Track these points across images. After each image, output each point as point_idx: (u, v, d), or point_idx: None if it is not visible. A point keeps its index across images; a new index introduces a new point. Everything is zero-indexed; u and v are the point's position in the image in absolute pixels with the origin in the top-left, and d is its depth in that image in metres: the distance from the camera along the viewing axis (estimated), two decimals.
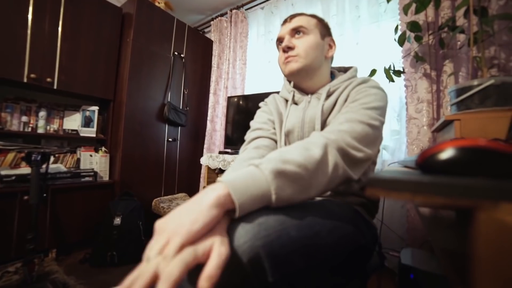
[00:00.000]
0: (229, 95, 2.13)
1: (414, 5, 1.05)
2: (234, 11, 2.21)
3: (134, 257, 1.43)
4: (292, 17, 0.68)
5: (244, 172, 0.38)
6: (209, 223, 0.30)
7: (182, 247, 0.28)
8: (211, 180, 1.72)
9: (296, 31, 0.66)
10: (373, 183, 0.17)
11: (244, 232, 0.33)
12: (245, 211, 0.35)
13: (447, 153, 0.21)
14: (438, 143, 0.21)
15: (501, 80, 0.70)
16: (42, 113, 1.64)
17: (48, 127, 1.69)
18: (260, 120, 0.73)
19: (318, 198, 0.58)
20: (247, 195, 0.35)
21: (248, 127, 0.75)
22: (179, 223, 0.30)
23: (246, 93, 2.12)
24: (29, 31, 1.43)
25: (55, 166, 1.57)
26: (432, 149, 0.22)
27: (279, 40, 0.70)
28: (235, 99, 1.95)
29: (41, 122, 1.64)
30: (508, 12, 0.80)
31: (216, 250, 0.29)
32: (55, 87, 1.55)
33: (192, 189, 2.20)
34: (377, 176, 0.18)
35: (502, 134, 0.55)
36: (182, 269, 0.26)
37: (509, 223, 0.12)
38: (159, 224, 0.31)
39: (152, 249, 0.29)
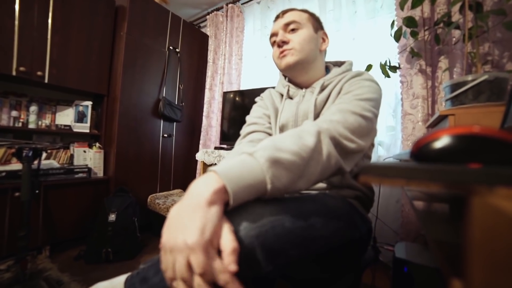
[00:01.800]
0: (225, 90, 2.12)
1: (410, 0, 1.05)
2: (230, 5, 2.18)
3: (129, 254, 1.42)
4: (284, 12, 0.68)
5: (238, 160, 0.37)
6: (216, 225, 0.31)
7: (205, 258, 0.28)
8: None
9: (289, 25, 0.66)
10: (366, 171, 0.16)
11: (239, 221, 0.33)
12: (238, 201, 0.34)
13: (441, 141, 0.20)
14: (432, 132, 0.21)
15: (494, 76, 0.70)
16: (33, 108, 1.61)
17: (39, 122, 1.65)
18: (255, 115, 0.73)
19: (314, 192, 0.58)
20: (242, 185, 0.34)
21: (244, 123, 0.75)
22: (188, 235, 0.29)
23: (242, 88, 2.11)
24: (16, 22, 1.39)
25: (47, 162, 1.54)
26: (426, 138, 0.22)
27: (273, 36, 0.69)
28: (231, 95, 1.94)
29: (32, 117, 1.60)
30: (502, 8, 0.80)
31: (224, 227, 0.31)
32: (46, 81, 1.52)
33: (187, 185, 2.17)
34: (370, 164, 0.17)
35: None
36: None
37: (504, 208, 0.12)
38: (166, 240, 0.31)
39: (170, 269, 0.29)
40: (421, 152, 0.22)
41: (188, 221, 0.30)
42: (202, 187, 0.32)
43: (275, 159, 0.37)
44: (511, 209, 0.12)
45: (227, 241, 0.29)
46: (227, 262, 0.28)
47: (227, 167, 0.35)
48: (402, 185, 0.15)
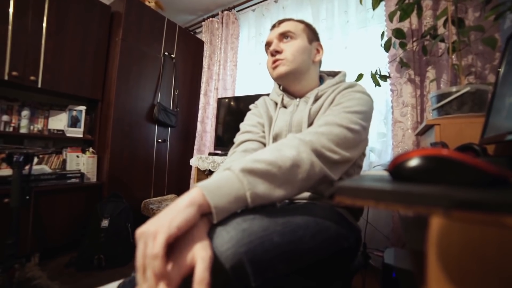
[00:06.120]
0: (219, 96, 2.13)
1: (399, 13, 1.09)
2: (225, 12, 2.21)
3: (122, 260, 1.41)
4: (281, 22, 0.70)
5: (218, 175, 0.40)
6: (187, 220, 0.32)
7: (165, 242, 0.30)
8: None
9: (284, 35, 0.67)
10: (340, 191, 0.18)
11: (228, 238, 0.33)
12: (222, 212, 0.36)
13: (413, 162, 0.22)
14: (406, 151, 0.23)
15: (475, 88, 0.74)
16: (25, 113, 1.59)
17: (31, 127, 1.63)
18: (249, 123, 0.74)
19: (303, 201, 0.59)
20: (221, 194, 0.36)
21: (238, 129, 0.75)
22: (159, 223, 0.32)
23: (237, 94, 2.13)
24: (10, 27, 1.38)
25: (39, 168, 1.52)
26: (401, 157, 0.24)
27: (268, 45, 0.71)
28: (226, 100, 1.95)
29: (24, 122, 1.58)
30: (480, 24, 0.85)
31: (199, 255, 0.31)
32: (39, 85, 1.51)
33: (181, 191, 2.18)
34: (343, 184, 0.19)
35: (477, 138, 0.58)
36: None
37: (457, 228, 0.14)
38: (139, 231, 0.33)
39: (139, 255, 0.31)
40: (396, 169, 0.24)
41: (164, 216, 0.33)
42: (184, 196, 0.36)
43: (249, 169, 0.40)
44: (462, 230, 0.14)
45: (198, 271, 0.30)
46: None
47: (207, 181, 0.38)
48: (373, 205, 0.17)
